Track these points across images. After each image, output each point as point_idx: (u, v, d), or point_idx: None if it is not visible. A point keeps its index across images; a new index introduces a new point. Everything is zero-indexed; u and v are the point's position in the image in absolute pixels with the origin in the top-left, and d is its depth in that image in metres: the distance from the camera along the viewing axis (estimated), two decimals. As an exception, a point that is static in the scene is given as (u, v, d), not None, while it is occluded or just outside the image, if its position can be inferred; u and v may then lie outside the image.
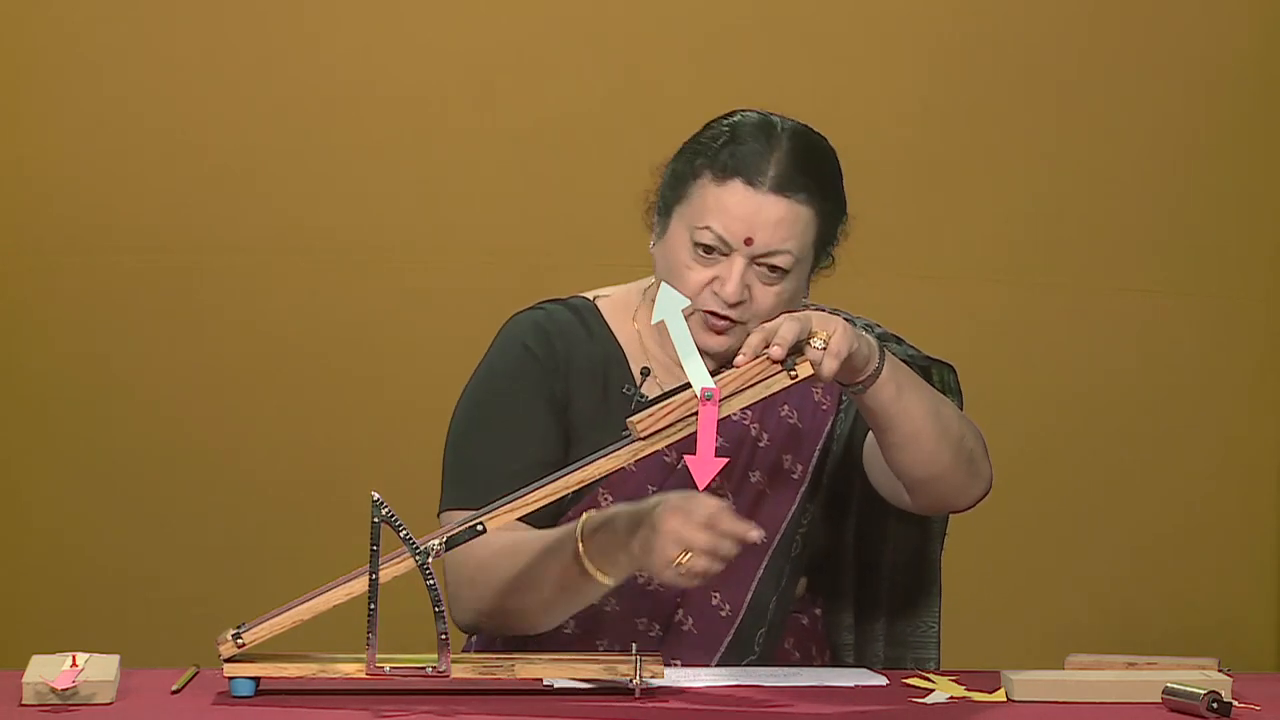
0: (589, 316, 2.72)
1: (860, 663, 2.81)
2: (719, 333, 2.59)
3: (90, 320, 3.96)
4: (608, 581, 2.42)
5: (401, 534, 2.31)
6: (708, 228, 2.57)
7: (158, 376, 3.97)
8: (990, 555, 4.02)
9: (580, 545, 2.42)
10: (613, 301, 2.74)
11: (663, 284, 2.36)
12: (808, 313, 2.36)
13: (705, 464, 2.27)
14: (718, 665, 2.65)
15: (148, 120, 3.95)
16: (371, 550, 2.30)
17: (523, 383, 2.66)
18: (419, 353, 3.89)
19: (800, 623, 2.78)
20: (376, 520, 2.29)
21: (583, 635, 2.66)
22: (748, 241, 2.56)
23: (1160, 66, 4.05)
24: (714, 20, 4.00)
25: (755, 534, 2.34)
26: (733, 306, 2.57)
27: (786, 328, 2.32)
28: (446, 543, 2.33)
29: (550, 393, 2.65)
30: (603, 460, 2.34)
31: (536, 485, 2.35)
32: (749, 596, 2.68)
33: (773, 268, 2.58)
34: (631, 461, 2.34)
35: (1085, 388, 4.08)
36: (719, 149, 2.60)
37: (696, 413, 2.28)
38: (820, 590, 2.83)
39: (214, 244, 3.96)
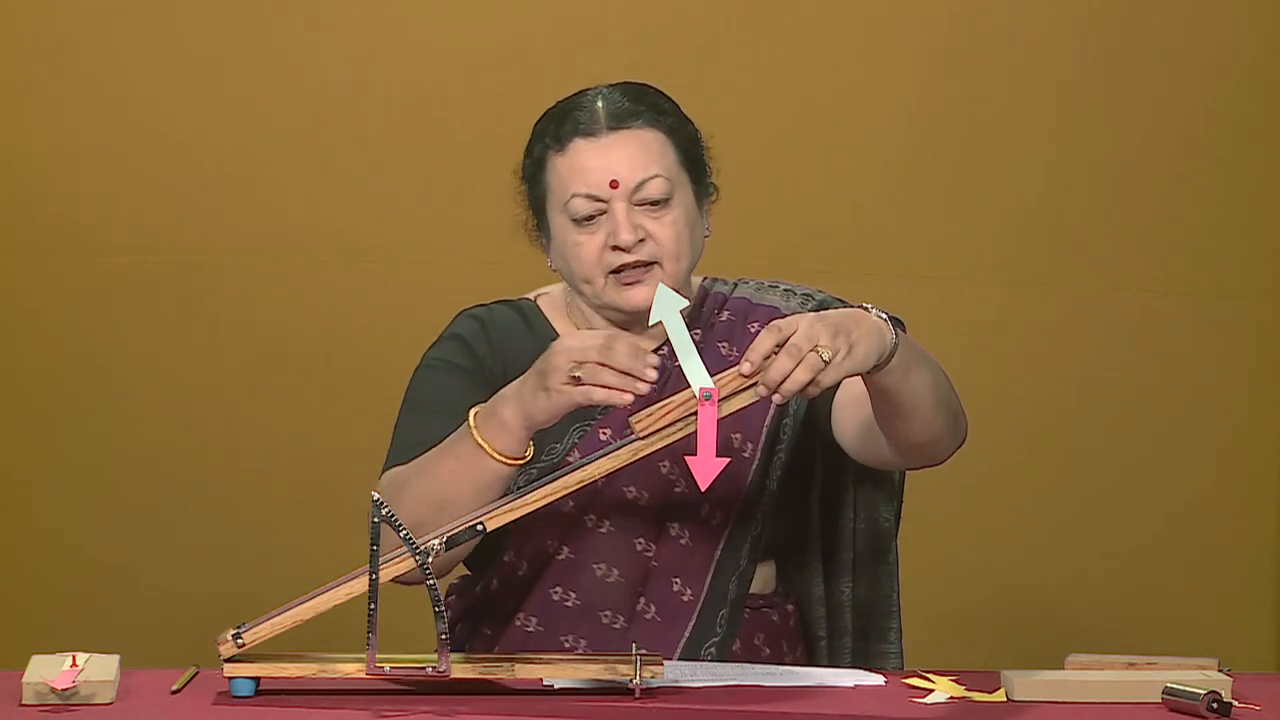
0: (530, 314, 2.77)
1: (831, 636, 2.82)
2: (634, 283, 2.62)
3: (90, 320, 3.96)
4: (498, 454, 2.41)
5: (401, 534, 2.31)
6: (574, 195, 2.63)
7: (158, 376, 3.97)
8: (990, 555, 4.02)
9: (472, 423, 2.42)
10: (551, 299, 2.79)
11: (660, 285, 2.37)
12: (825, 317, 2.31)
13: (706, 464, 2.27)
14: (682, 649, 2.66)
15: (147, 120, 3.95)
16: (371, 550, 2.30)
17: (456, 368, 2.70)
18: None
19: (770, 619, 2.77)
20: (376, 520, 2.30)
21: (546, 631, 2.68)
22: (614, 185, 2.61)
23: (1160, 67, 4.05)
24: (714, 21, 4.00)
25: (652, 365, 2.31)
26: (635, 249, 2.60)
27: (800, 333, 2.29)
28: (446, 542, 2.33)
29: (484, 377, 2.68)
30: (603, 460, 2.34)
31: (536, 485, 2.36)
32: (709, 579, 2.68)
33: (654, 203, 2.62)
34: (631, 462, 2.34)
35: (1084, 387, 4.08)
36: (551, 130, 2.68)
37: (696, 413, 2.28)
38: (790, 573, 2.83)
39: (213, 244, 3.97)
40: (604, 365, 2.32)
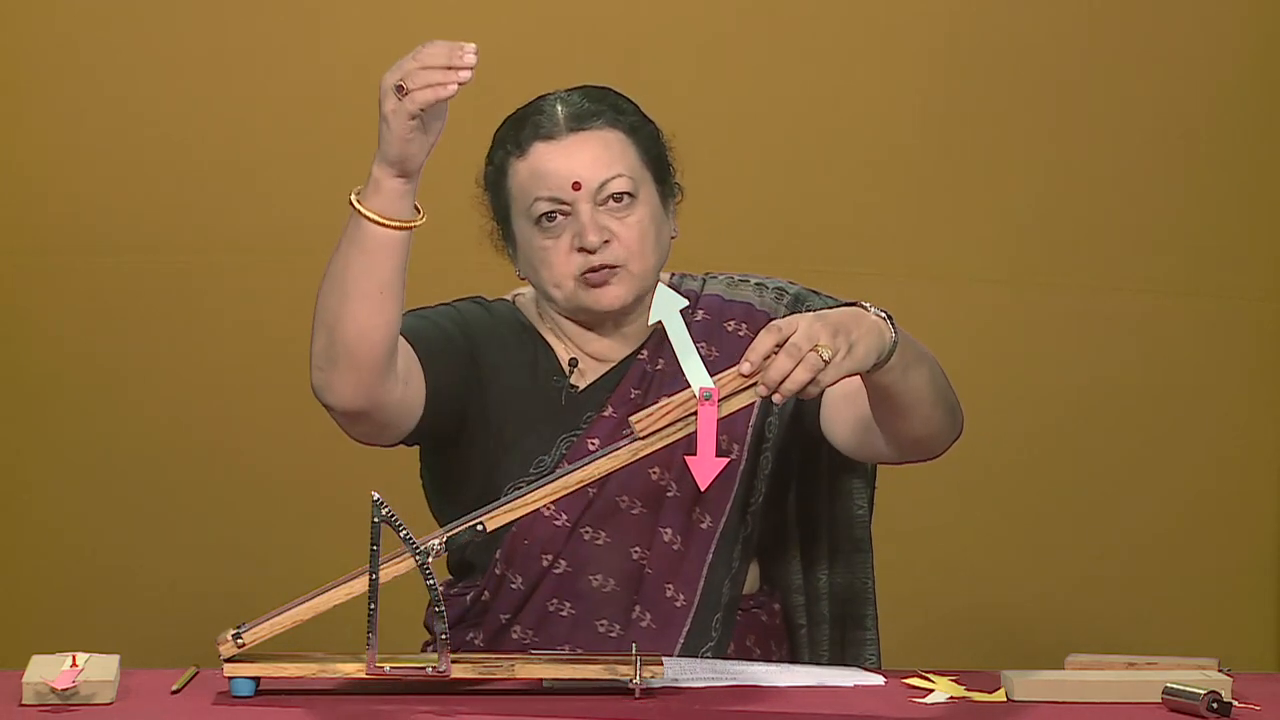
0: (517, 314, 2.76)
1: (811, 624, 2.82)
2: (602, 284, 2.61)
3: (90, 320, 3.96)
4: (381, 218, 2.41)
5: (401, 534, 2.31)
6: (538, 198, 2.62)
7: (158, 376, 3.97)
8: (990, 555, 4.02)
9: (354, 202, 2.43)
10: (525, 300, 2.78)
11: (659, 284, 2.37)
12: (824, 316, 2.32)
13: (706, 464, 2.27)
14: (677, 656, 2.65)
15: (147, 120, 3.95)
16: (371, 550, 2.30)
17: (447, 320, 2.70)
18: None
19: (760, 619, 2.77)
20: (376, 520, 2.30)
21: (541, 642, 2.67)
22: (576, 186, 2.61)
23: (1160, 67, 4.05)
24: (714, 20, 4.00)
25: (469, 50, 2.39)
26: (601, 250, 2.59)
27: (800, 333, 2.29)
28: (446, 542, 2.33)
29: (466, 351, 2.67)
30: (603, 460, 2.34)
31: (536, 485, 2.35)
32: (701, 583, 2.68)
33: (616, 198, 2.61)
34: (631, 462, 2.34)
35: (1085, 388, 4.08)
36: (510, 136, 2.68)
37: (696, 413, 2.28)
38: (769, 567, 2.83)
39: (214, 244, 3.96)
40: (423, 68, 2.36)
